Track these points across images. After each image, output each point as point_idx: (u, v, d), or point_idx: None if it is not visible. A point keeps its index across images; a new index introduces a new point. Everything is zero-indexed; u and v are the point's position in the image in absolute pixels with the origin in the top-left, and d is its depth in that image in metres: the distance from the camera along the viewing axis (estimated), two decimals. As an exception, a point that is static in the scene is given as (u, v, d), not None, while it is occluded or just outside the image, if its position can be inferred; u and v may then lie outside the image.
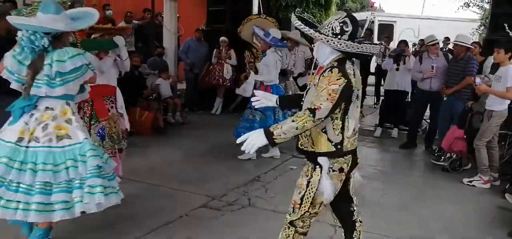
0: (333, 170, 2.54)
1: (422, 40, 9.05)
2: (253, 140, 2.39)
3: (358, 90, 2.53)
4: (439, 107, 6.77)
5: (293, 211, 2.65)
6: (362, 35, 13.20)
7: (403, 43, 8.05)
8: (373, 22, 16.50)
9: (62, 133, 2.92)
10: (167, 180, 4.92)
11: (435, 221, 4.24)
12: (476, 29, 17.40)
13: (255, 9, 10.24)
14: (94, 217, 3.22)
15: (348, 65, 2.49)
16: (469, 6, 19.20)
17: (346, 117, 2.50)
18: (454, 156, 5.86)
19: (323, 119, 2.38)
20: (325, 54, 2.56)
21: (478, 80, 5.27)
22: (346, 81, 2.40)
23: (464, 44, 6.28)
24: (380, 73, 10.18)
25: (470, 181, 5.38)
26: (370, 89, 11.49)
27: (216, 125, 8.11)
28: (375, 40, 14.07)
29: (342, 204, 2.77)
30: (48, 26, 2.78)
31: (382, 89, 10.50)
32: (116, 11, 8.84)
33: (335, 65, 2.46)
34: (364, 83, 10.39)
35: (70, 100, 3.03)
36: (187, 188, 4.69)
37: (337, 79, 2.39)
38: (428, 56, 6.84)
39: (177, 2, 9.08)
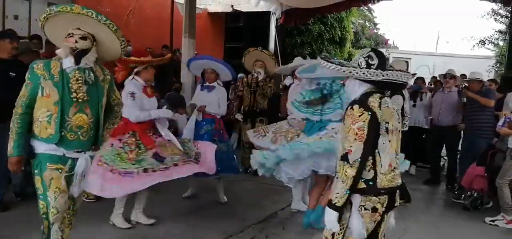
0: (365, 209, 2.37)
1: (435, 77, 9.09)
2: (328, 223, 2.36)
3: (386, 122, 2.37)
4: (453, 144, 6.74)
5: None
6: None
7: (420, 79, 8.05)
8: (387, 58, 16.59)
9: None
10: (183, 214, 4.89)
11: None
12: (492, 66, 17.35)
13: (271, 46, 10.37)
14: None
15: (373, 98, 2.37)
16: (485, 43, 19.20)
17: (376, 151, 2.35)
18: (475, 194, 5.74)
19: (360, 159, 2.28)
20: (354, 89, 2.47)
21: (500, 122, 5.24)
22: (370, 114, 2.30)
23: (477, 78, 6.36)
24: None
25: (493, 221, 5.24)
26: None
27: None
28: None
29: None
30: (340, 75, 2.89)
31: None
32: (136, 47, 9.01)
33: (356, 100, 2.38)
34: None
35: None
36: (204, 223, 4.65)
37: (360, 115, 2.30)
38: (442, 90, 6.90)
39: (195, 39, 9.25)
